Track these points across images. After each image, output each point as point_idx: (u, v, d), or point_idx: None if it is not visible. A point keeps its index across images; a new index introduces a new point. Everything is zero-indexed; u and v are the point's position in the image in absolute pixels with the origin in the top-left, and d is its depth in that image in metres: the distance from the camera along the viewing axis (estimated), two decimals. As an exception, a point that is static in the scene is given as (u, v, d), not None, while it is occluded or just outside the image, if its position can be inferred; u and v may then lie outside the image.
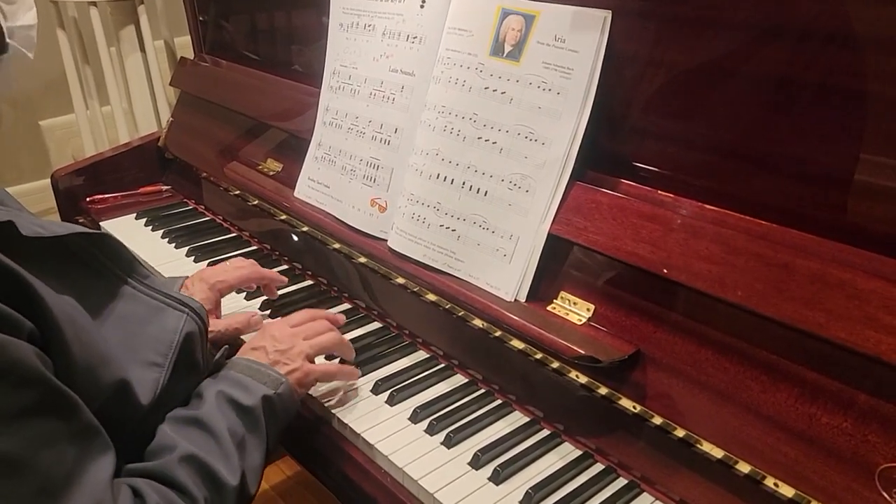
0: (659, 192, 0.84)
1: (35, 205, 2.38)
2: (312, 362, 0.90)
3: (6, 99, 2.42)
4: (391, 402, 0.92)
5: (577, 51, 0.86)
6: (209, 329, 0.94)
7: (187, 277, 1.04)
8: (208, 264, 1.26)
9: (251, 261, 1.11)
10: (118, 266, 0.76)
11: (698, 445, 0.75)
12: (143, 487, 0.67)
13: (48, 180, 1.51)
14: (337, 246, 1.16)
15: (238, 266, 1.08)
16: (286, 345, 0.89)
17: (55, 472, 0.58)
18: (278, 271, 1.25)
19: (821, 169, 0.73)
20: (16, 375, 0.56)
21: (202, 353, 0.81)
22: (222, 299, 1.06)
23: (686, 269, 0.77)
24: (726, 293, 0.73)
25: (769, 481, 0.70)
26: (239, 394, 0.79)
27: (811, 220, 0.73)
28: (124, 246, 0.77)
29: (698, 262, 0.76)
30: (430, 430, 0.87)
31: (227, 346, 0.92)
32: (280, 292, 1.17)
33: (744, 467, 0.72)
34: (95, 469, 0.61)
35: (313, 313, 0.99)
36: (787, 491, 0.69)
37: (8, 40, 0.76)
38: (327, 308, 1.14)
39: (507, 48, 0.91)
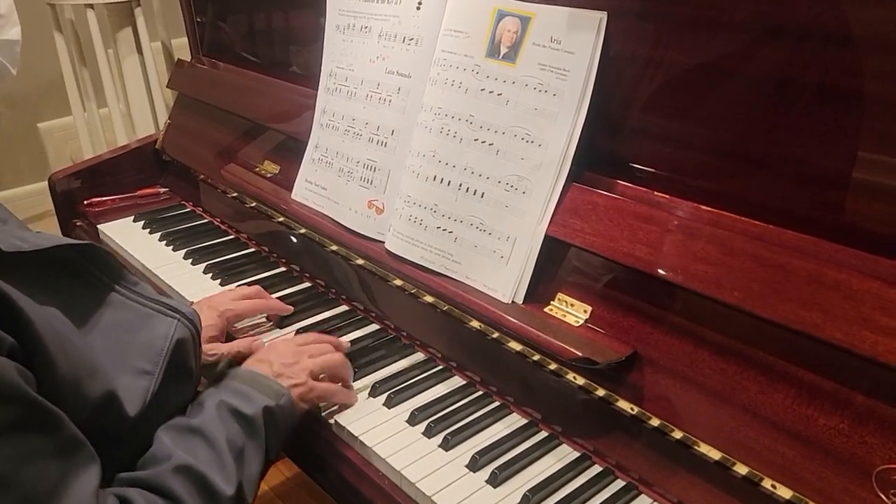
0: (655, 193, 0.84)
1: (33, 207, 2.39)
2: (316, 380, 0.90)
3: (4, 101, 2.42)
4: (389, 404, 0.92)
5: (572, 52, 0.86)
6: (212, 354, 0.95)
7: (192, 303, 1.04)
8: (206, 267, 1.26)
9: (258, 288, 1.11)
10: (106, 274, 0.76)
11: (696, 447, 0.75)
12: (134, 497, 0.67)
13: (46, 182, 1.51)
14: (335, 248, 1.16)
15: (245, 295, 1.08)
16: (291, 359, 0.90)
17: (38, 487, 0.58)
18: (276, 273, 1.25)
19: (817, 169, 0.73)
20: None
21: (195, 360, 0.80)
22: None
23: (683, 270, 0.77)
24: (723, 294, 0.73)
25: (767, 483, 0.70)
26: (240, 403, 0.79)
27: (808, 220, 0.73)
28: (111, 254, 0.77)
29: (695, 263, 0.76)
30: (428, 433, 0.87)
31: (229, 357, 0.92)
32: (279, 294, 1.16)
33: (741, 469, 0.72)
34: (79, 483, 0.61)
35: (319, 336, 1.00)
36: (785, 492, 0.69)
37: None
38: (325, 310, 1.14)
39: (503, 50, 0.91)
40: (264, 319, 1.12)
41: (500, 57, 0.92)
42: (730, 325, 0.74)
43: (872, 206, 0.70)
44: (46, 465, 0.59)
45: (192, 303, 1.04)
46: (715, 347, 0.75)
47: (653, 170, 0.86)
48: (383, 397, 0.93)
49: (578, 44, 0.86)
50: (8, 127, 2.50)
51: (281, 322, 1.11)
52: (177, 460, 0.71)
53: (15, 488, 0.56)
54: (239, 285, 1.19)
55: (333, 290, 1.19)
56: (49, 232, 0.76)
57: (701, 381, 0.76)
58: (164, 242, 1.37)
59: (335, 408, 0.92)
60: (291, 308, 1.12)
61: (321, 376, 0.92)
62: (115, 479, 0.70)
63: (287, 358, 0.90)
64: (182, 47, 1.83)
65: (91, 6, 2.01)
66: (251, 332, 1.08)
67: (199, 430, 0.75)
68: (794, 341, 0.69)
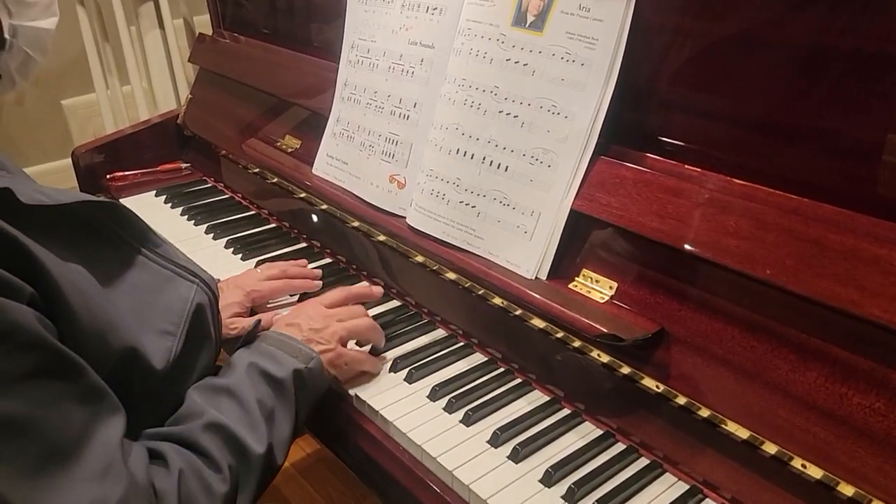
0: (686, 166, 0.82)
1: (57, 184, 2.38)
2: (345, 346, 0.90)
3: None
4: (410, 379, 0.92)
5: (602, 20, 0.84)
6: (234, 328, 0.95)
7: (219, 281, 1.03)
8: (227, 242, 1.26)
9: (283, 269, 1.10)
10: (131, 235, 0.76)
11: (723, 425, 0.73)
12: (166, 450, 0.68)
13: (70, 159, 1.51)
14: (356, 224, 1.15)
15: (271, 276, 1.08)
16: (320, 324, 0.90)
17: (63, 433, 0.58)
18: (297, 249, 1.25)
19: (854, 141, 0.70)
20: (16, 338, 0.56)
21: (214, 326, 0.81)
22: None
23: (713, 246, 0.75)
24: (755, 270, 0.71)
25: (797, 462, 0.68)
26: (270, 365, 0.80)
27: (844, 194, 0.71)
28: (137, 215, 0.77)
29: (726, 237, 0.74)
30: (449, 408, 0.86)
31: (259, 318, 0.91)
32: (299, 269, 1.16)
33: (770, 448, 0.70)
34: (104, 431, 0.61)
35: (347, 293, 0.99)
36: (816, 472, 0.67)
37: (8, 37, 0.73)
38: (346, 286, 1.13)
39: (530, 18, 0.89)
40: (288, 297, 1.11)
41: (527, 25, 0.89)
42: (761, 301, 0.72)
43: (914, 178, 0.67)
44: (70, 411, 0.59)
45: (219, 281, 1.04)
46: (745, 324, 0.73)
47: (683, 143, 0.83)
48: (404, 373, 0.93)
49: (608, 12, 0.83)
50: (32, 104, 2.52)
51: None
52: (208, 417, 0.72)
53: (40, 433, 0.57)
54: (260, 261, 1.19)
55: (354, 266, 1.18)
56: (72, 190, 0.75)
57: (730, 358, 0.74)
58: (186, 217, 1.37)
59: (357, 382, 0.92)
60: (319, 284, 1.11)
61: (351, 341, 0.91)
62: (145, 433, 0.71)
63: (316, 322, 0.89)
64: (204, 24, 1.82)
65: (113, -19, 2.00)
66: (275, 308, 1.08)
67: (230, 390, 0.76)
68: (829, 318, 0.67)
